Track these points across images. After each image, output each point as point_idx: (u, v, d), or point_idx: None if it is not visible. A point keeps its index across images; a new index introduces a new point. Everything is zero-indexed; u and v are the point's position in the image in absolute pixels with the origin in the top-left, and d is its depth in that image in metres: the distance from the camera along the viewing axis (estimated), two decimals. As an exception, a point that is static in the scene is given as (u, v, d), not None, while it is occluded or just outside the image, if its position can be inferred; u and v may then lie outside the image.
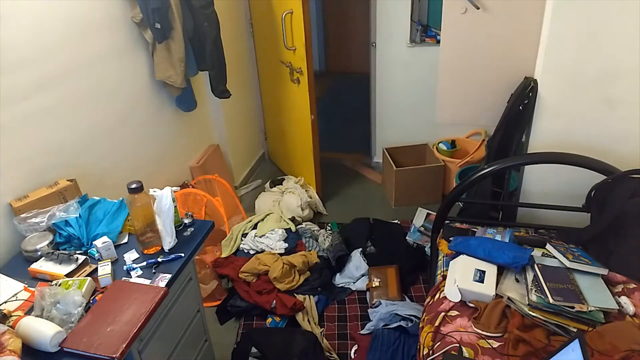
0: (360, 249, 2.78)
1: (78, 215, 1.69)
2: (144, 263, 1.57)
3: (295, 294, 2.45)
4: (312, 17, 3.98)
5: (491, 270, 1.76)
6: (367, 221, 3.04)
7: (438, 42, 2.97)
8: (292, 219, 2.97)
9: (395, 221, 3.07)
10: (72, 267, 1.52)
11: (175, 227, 1.66)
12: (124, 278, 1.52)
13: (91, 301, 1.42)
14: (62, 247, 1.64)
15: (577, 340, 1.29)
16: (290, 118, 3.33)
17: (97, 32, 2.07)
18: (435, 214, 2.29)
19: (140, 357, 1.43)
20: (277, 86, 3.34)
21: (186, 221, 1.76)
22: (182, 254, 1.62)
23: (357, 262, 2.68)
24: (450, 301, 1.74)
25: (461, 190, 2.13)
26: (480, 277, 1.74)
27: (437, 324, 1.67)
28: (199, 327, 1.88)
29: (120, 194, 1.76)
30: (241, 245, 2.75)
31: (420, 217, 2.98)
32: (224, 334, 2.39)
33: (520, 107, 2.16)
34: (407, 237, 2.93)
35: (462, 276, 1.75)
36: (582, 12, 1.89)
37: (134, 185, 1.54)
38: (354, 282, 2.62)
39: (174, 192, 1.67)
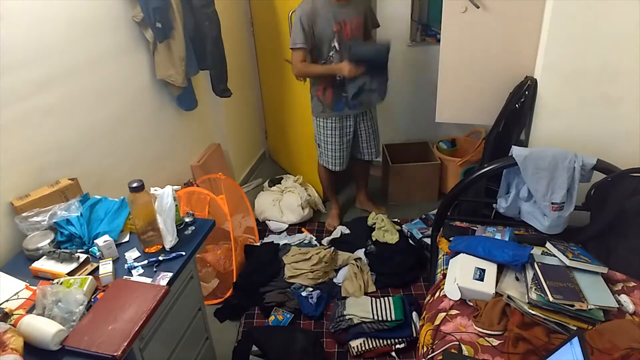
0: (363, 249, 2.79)
1: (79, 214, 1.69)
2: (145, 262, 1.57)
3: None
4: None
5: (491, 269, 1.77)
6: (367, 220, 3.04)
7: (438, 41, 2.97)
8: None
9: (395, 219, 3.07)
10: (74, 265, 1.52)
11: (176, 225, 1.67)
12: (125, 277, 1.53)
13: (92, 300, 1.43)
14: (63, 245, 1.65)
15: (576, 338, 1.29)
16: (295, 116, 3.33)
17: (98, 31, 2.07)
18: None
19: (142, 355, 1.43)
20: (281, 84, 3.33)
21: (187, 220, 1.77)
22: (183, 253, 1.62)
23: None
24: (450, 299, 1.75)
25: (461, 189, 2.14)
26: (480, 275, 1.74)
27: (437, 322, 1.68)
28: (200, 325, 1.89)
29: (121, 192, 1.76)
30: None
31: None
32: (225, 332, 2.40)
33: (517, 105, 2.17)
34: (403, 227, 2.95)
35: (462, 274, 1.75)
36: (582, 10, 1.89)
37: (135, 184, 1.54)
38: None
39: (176, 190, 1.68)
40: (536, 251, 1.84)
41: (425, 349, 1.62)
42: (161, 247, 1.64)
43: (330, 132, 2.81)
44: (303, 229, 3.10)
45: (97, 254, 1.60)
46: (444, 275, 1.87)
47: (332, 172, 3.00)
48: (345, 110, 2.75)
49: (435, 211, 3.03)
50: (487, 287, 1.70)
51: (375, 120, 2.96)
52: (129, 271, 1.55)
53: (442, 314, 1.70)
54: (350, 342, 2.21)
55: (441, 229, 2.17)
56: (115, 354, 1.22)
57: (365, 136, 2.92)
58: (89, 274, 1.51)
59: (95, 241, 1.61)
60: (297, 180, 3.37)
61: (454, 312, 1.70)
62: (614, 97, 2.00)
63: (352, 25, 2.54)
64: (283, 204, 3.19)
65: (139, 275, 1.53)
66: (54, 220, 1.66)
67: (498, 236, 1.96)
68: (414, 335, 2.17)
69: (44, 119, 1.81)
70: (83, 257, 1.56)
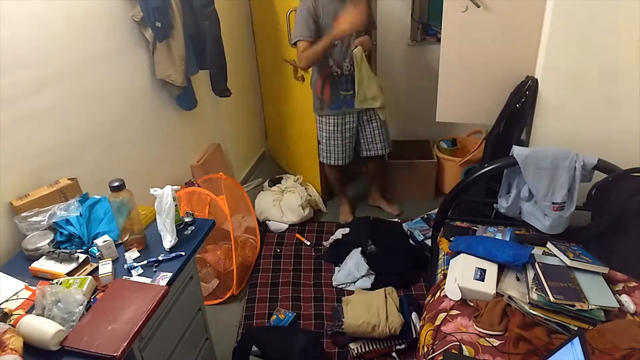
0: (360, 249, 2.79)
1: (79, 214, 1.69)
2: (145, 262, 1.57)
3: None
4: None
5: (492, 269, 1.77)
6: (368, 220, 3.04)
7: (439, 40, 2.97)
8: None
9: (395, 220, 3.07)
10: (73, 265, 1.52)
11: (176, 225, 1.67)
12: (124, 277, 1.52)
13: (92, 300, 1.42)
14: (62, 245, 1.64)
15: (577, 338, 1.29)
16: (293, 116, 3.33)
17: (97, 31, 2.07)
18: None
19: (142, 355, 1.43)
20: (280, 84, 3.33)
21: (187, 220, 1.76)
22: (183, 253, 1.62)
23: (357, 262, 2.68)
24: (451, 300, 1.74)
25: (462, 189, 2.13)
26: (481, 275, 1.74)
27: (437, 323, 1.67)
28: (200, 325, 1.88)
29: (120, 192, 1.76)
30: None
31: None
32: (225, 333, 2.39)
33: (518, 105, 2.17)
34: (403, 224, 2.96)
35: (463, 275, 1.75)
36: (583, 10, 1.88)
37: (116, 184, 1.54)
38: (354, 283, 2.62)
39: (176, 191, 1.67)
40: (537, 251, 1.83)
41: (425, 349, 1.62)
42: (143, 245, 1.65)
43: (333, 128, 2.86)
44: (297, 235, 3.05)
45: (97, 254, 1.60)
46: (445, 276, 1.87)
47: (337, 168, 3.01)
48: (343, 109, 2.77)
49: (435, 211, 3.04)
50: (488, 287, 1.70)
51: (382, 118, 2.89)
52: (128, 271, 1.54)
53: (443, 314, 1.69)
54: (350, 345, 2.21)
55: (442, 229, 2.17)
56: (115, 354, 1.22)
57: (369, 134, 2.91)
58: (88, 274, 1.50)
59: (94, 241, 1.61)
60: (298, 180, 3.37)
61: (454, 312, 1.70)
62: (614, 96, 2.00)
63: None
64: (283, 204, 3.19)
65: (139, 275, 1.53)
66: (54, 220, 1.65)
67: (499, 236, 1.96)
68: (414, 335, 2.17)
69: (43, 119, 1.81)
70: (82, 257, 1.55)
